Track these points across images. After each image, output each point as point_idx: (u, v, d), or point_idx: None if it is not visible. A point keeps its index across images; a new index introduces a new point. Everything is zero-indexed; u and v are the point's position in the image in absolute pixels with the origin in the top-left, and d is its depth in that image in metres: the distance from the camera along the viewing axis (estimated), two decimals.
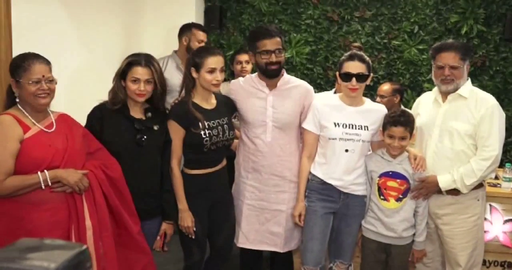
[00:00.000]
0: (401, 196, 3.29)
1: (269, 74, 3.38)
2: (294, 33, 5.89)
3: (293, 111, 3.44)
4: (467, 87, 3.30)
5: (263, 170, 3.47)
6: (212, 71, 3.18)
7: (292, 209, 3.49)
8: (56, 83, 2.72)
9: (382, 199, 3.31)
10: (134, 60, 3.03)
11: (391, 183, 3.29)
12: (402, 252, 3.37)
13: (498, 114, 3.22)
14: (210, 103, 3.33)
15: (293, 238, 3.58)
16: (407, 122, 3.25)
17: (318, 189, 3.40)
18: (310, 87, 3.54)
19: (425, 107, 3.48)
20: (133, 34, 5.43)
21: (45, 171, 2.58)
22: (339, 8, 5.84)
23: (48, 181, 2.58)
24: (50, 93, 2.68)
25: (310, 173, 3.45)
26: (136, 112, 3.09)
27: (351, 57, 3.31)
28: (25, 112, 2.67)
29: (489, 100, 3.25)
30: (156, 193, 3.14)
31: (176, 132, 3.18)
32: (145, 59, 3.04)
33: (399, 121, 3.23)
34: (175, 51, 4.87)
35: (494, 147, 3.18)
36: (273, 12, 5.94)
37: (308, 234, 3.41)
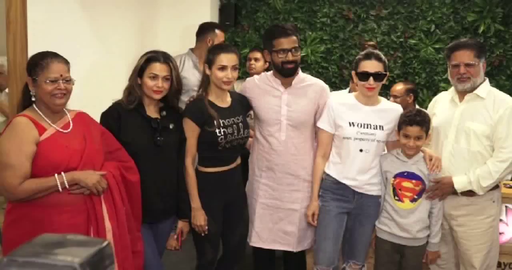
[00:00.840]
0: (416, 197, 3.30)
1: (285, 73, 3.40)
2: (309, 31, 5.92)
3: (308, 109, 3.46)
4: (485, 88, 3.29)
5: (277, 168, 3.49)
6: (223, 68, 3.21)
7: (306, 208, 3.51)
8: (73, 83, 2.70)
9: (396, 199, 3.32)
10: (153, 56, 3.05)
11: (406, 184, 3.30)
12: (416, 253, 3.38)
13: None
14: (225, 101, 3.35)
15: (306, 237, 3.60)
16: (423, 122, 3.25)
17: (332, 189, 3.42)
18: (325, 86, 3.56)
19: (442, 107, 3.47)
20: (148, 31, 5.47)
21: (62, 173, 2.56)
22: (355, 7, 5.85)
23: (66, 183, 2.55)
24: (67, 93, 2.66)
25: (324, 172, 3.47)
26: (152, 112, 3.10)
27: (368, 56, 3.31)
28: (41, 113, 2.64)
29: (508, 101, 3.24)
30: (174, 192, 3.17)
31: (191, 130, 3.21)
32: (163, 56, 3.07)
33: (415, 120, 3.23)
34: (191, 49, 4.88)
35: (507, 155, 3.18)
36: (288, 10, 5.96)
37: (321, 234, 3.43)
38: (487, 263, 3.34)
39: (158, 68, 3.01)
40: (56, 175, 2.55)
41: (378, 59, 3.30)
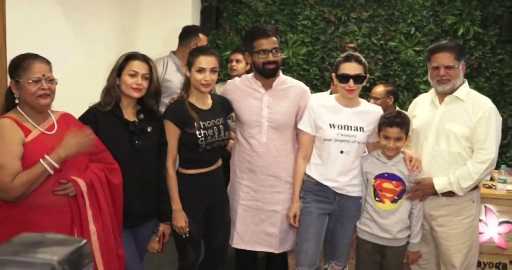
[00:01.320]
0: (396, 198, 3.33)
1: (266, 74, 3.42)
2: (290, 33, 5.95)
3: (289, 111, 3.48)
4: (464, 90, 3.33)
5: (258, 170, 3.50)
6: (201, 70, 3.22)
7: (287, 209, 3.52)
8: (56, 83, 2.70)
9: (377, 200, 3.34)
10: (132, 54, 3.06)
11: (387, 185, 3.33)
12: (397, 253, 3.41)
13: (495, 117, 3.25)
14: (206, 103, 3.36)
15: (288, 239, 3.62)
16: (403, 123, 3.29)
17: (313, 190, 3.44)
18: (306, 88, 3.59)
19: (422, 109, 3.50)
20: (129, 33, 5.47)
21: (45, 155, 2.55)
22: (335, 9, 5.89)
23: (54, 163, 2.55)
24: (51, 94, 2.65)
25: (305, 174, 3.49)
26: (129, 115, 3.07)
27: (348, 58, 3.34)
28: (25, 115, 2.63)
29: (487, 103, 3.28)
30: (153, 195, 3.15)
31: (172, 132, 3.21)
32: (142, 55, 3.07)
33: (395, 122, 3.26)
34: (173, 52, 4.88)
35: (491, 150, 3.22)
36: (269, 13, 5.99)
37: (303, 235, 3.45)
38: (467, 263, 3.37)
39: (137, 65, 3.01)
40: (40, 159, 2.53)
41: (358, 61, 3.33)
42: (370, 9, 5.84)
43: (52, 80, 2.67)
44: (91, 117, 2.98)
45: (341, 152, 3.36)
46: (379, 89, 4.84)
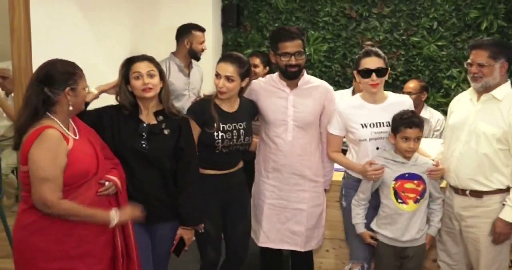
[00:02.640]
0: (419, 197, 3.31)
1: (288, 75, 3.44)
2: (311, 30, 5.93)
3: (314, 110, 3.49)
4: (504, 90, 3.26)
5: (283, 169, 3.52)
6: (217, 75, 3.28)
7: (312, 207, 3.56)
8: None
9: (400, 202, 3.31)
10: (130, 58, 3.06)
11: (409, 185, 3.31)
12: (418, 252, 3.40)
13: None
14: (232, 107, 3.39)
15: (313, 237, 3.63)
16: (420, 123, 3.29)
17: (355, 187, 3.47)
18: (330, 87, 3.59)
19: (461, 106, 3.45)
20: (150, 32, 5.50)
21: (114, 211, 2.71)
22: (356, 5, 5.86)
23: (114, 222, 2.70)
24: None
25: (345, 172, 3.55)
26: (146, 116, 3.07)
27: (368, 53, 3.36)
28: (59, 123, 2.63)
29: None
30: (161, 197, 3.10)
31: (193, 128, 3.22)
32: (140, 55, 3.07)
33: (413, 122, 3.25)
34: (173, 53, 4.86)
35: None
36: (290, 10, 5.98)
37: (352, 232, 3.50)
38: (497, 265, 3.32)
39: (138, 66, 3.00)
40: (113, 212, 2.69)
41: (378, 55, 3.34)
42: (391, 4, 5.80)
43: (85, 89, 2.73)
44: (111, 110, 3.06)
45: (377, 148, 3.38)
46: (412, 84, 4.84)
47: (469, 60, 3.30)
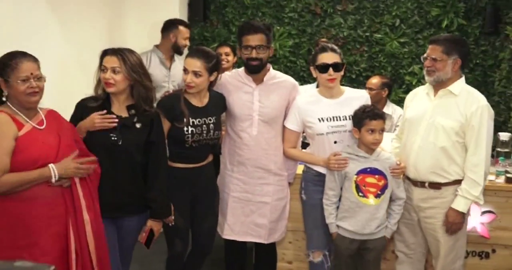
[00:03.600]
0: (379, 192, 3.34)
1: (250, 69, 3.45)
2: (277, 26, 5.97)
3: (279, 105, 3.50)
4: (459, 85, 3.33)
5: (248, 163, 3.53)
6: (185, 71, 3.26)
7: (276, 201, 3.58)
8: (45, 80, 2.71)
9: (360, 196, 3.35)
10: (104, 51, 3.03)
11: (370, 179, 3.34)
12: (378, 244, 3.43)
13: (487, 115, 3.24)
14: (201, 101, 3.36)
15: (277, 229, 3.65)
16: (383, 115, 3.34)
17: (313, 181, 3.51)
18: (296, 83, 3.61)
19: (417, 100, 3.51)
20: (117, 27, 5.44)
21: (52, 165, 2.63)
22: (321, 1, 5.92)
23: (57, 176, 2.64)
24: (40, 91, 2.67)
25: (304, 165, 3.57)
26: (118, 109, 3.05)
27: (324, 49, 3.38)
28: (16, 110, 2.66)
29: (480, 100, 3.28)
30: (133, 190, 3.10)
31: (163, 124, 3.22)
32: (113, 49, 3.02)
33: (377, 114, 3.29)
34: (157, 46, 4.89)
35: (482, 151, 3.23)
36: (256, 5, 6.02)
37: (311, 224, 3.56)
38: (455, 253, 3.40)
39: (106, 60, 2.98)
40: (50, 165, 2.62)
41: (334, 50, 3.37)
42: (355, 1, 5.88)
43: (40, 78, 2.69)
44: (77, 113, 3.03)
45: (335, 142, 3.40)
46: (375, 80, 4.87)
47: (425, 54, 3.37)
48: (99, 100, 3.02)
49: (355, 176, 3.34)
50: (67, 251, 2.69)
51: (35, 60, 2.70)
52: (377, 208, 3.35)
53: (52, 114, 2.83)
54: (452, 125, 3.25)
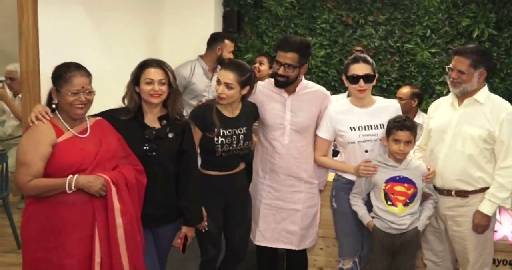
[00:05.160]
0: (408, 201, 3.32)
1: (275, 83, 3.44)
2: (309, 36, 5.95)
3: (311, 115, 3.50)
4: (484, 93, 3.30)
5: (280, 171, 3.52)
6: (218, 81, 3.26)
7: (307, 208, 3.57)
8: (94, 94, 2.79)
9: (389, 204, 3.33)
10: (146, 62, 3.05)
11: (399, 188, 3.32)
12: (412, 235, 3.36)
13: None
14: (233, 112, 3.37)
15: (308, 236, 3.65)
16: (412, 127, 3.30)
17: (344, 189, 3.49)
18: (327, 92, 3.61)
19: (442, 110, 3.48)
20: (154, 38, 5.51)
21: (75, 176, 2.63)
22: (353, 13, 5.89)
23: (73, 187, 2.62)
24: (87, 103, 2.76)
25: (335, 173, 3.57)
26: (151, 121, 3.07)
27: (356, 60, 3.37)
28: (61, 119, 2.75)
29: (507, 107, 3.26)
30: (164, 201, 3.11)
31: (194, 134, 3.24)
32: (156, 62, 3.06)
33: (405, 125, 3.26)
34: (201, 56, 4.93)
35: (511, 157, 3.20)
36: (289, 17, 6.01)
37: (341, 232, 3.56)
38: (482, 260, 3.36)
39: (152, 72, 3.00)
40: (69, 176, 2.63)
41: (366, 61, 3.36)
42: (386, 12, 5.83)
43: (90, 92, 2.77)
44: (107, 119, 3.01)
45: (366, 151, 3.40)
46: (405, 90, 4.84)
47: (450, 65, 3.33)
48: (131, 112, 3.03)
49: (384, 184, 3.31)
50: (91, 254, 2.70)
51: (88, 74, 2.79)
52: (406, 215, 3.33)
53: (99, 123, 2.89)
54: (480, 133, 3.22)
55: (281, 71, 3.35)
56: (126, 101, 3.06)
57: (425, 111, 5.06)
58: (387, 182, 3.32)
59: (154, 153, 2.99)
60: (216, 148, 3.27)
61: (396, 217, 3.32)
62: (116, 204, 2.74)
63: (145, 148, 2.98)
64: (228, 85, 3.22)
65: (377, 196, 3.36)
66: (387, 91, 5.74)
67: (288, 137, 3.48)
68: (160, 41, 5.56)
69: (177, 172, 3.14)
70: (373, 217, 3.41)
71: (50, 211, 2.66)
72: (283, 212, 3.58)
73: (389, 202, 3.33)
